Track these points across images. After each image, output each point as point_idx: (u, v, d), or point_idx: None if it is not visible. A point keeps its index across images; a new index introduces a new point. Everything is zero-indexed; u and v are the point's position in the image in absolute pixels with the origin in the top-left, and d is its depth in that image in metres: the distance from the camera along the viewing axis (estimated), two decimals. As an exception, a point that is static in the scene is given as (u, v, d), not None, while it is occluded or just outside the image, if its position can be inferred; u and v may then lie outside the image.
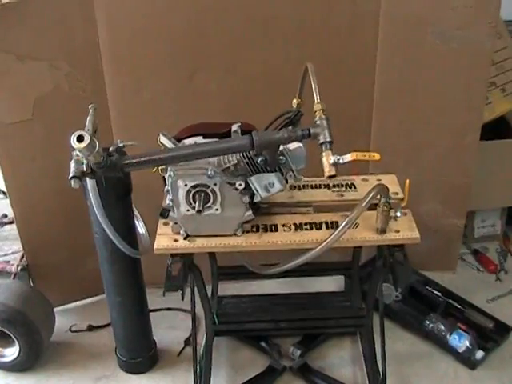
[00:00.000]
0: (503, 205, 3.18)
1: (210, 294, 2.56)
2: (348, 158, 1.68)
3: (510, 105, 2.95)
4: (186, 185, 1.88)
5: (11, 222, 3.04)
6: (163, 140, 1.89)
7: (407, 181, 1.97)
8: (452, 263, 3.07)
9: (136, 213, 2.30)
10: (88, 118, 1.90)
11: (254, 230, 2.01)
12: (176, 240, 1.98)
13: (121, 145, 1.87)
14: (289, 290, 2.85)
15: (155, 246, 1.97)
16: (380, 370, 2.35)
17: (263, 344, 2.61)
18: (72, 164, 1.75)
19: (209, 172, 1.86)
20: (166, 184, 1.93)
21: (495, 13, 2.42)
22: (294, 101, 1.99)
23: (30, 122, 2.46)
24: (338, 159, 1.67)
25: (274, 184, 1.91)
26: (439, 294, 2.83)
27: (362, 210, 1.84)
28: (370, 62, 2.53)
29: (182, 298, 2.00)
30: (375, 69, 2.55)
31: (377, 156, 1.72)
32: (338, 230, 1.83)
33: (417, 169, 2.69)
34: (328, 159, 1.68)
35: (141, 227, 2.31)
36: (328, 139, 1.69)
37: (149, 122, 2.48)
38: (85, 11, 2.34)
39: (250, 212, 1.96)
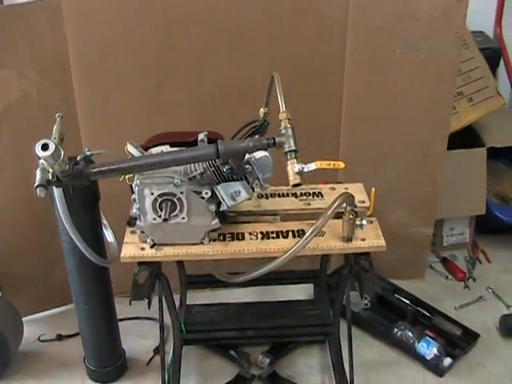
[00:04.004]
0: (471, 213, 3.21)
1: (178, 302, 2.57)
2: (312, 166, 1.69)
3: (477, 114, 2.99)
4: (152, 193, 1.88)
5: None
6: (130, 149, 1.89)
7: (373, 189, 1.99)
8: (421, 271, 3.10)
9: (104, 221, 2.29)
10: (54, 127, 1.89)
11: (221, 238, 2.01)
12: (143, 248, 1.98)
13: (88, 153, 1.87)
14: (260, 299, 2.86)
15: (122, 255, 1.97)
16: (348, 377, 2.37)
17: (232, 353, 2.61)
18: (38, 173, 1.73)
19: (175, 181, 1.86)
20: (133, 193, 1.94)
21: (461, 23, 2.46)
22: (261, 110, 1.99)
23: (-3, 131, 2.45)
24: (303, 168, 1.68)
25: (240, 193, 1.92)
26: (408, 301, 2.86)
27: (327, 218, 1.84)
28: (338, 72, 2.55)
29: (149, 307, 1.99)
30: (343, 79, 2.57)
31: (341, 164, 1.73)
32: (304, 238, 1.83)
33: (385, 178, 2.71)
34: (293, 168, 1.68)
35: (109, 236, 2.30)
36: (293, 148, 1.69)
37: (118, 131, 2.47)
38: (54, 21, 2.34)
39: (217, 220, 1.96)
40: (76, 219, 1.99)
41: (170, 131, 2.02)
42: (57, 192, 1.91)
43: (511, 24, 3.60)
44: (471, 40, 3.04)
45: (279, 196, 2.22)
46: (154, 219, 1.92)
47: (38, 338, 2.80)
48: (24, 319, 2.71)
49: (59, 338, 2.80)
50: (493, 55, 3.40)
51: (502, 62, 3.58)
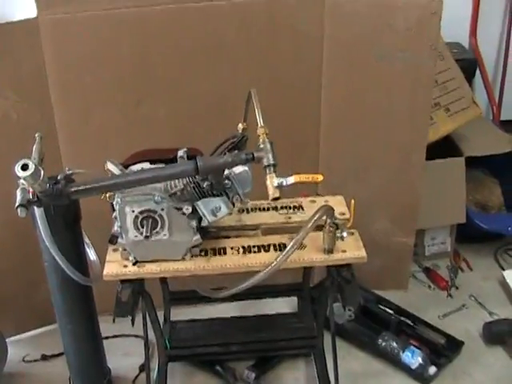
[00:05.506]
0: (452, 222, 3.22)
1: (162, 319, 2.57)
2: (291, 180, 1.70)
3: (455, 124, 3.03)
4: (133, 211, 1.89)
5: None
6: (110, 167, 1.89)
7: (352, 201, 2.01)
8: (403, 281, 3.11)
9: (86, 240, 2.29)
10: (34, 147, 1.90)
11: (203, 254, 2.02)
12: (125, 266, 1.99)
13: (69, 173, 1.87)
14: (244, 313, 2.85)
15: (104, 273, 1.98)
16: (333, 389, 2.38)
17: (218, 368, 2.61)
18: (18, 192, 1.74)
19: (156, 198, 1.87)
20: (114, 210, 1.94)
21: (435, 35, 2.48)
22: (240, 125, 2.02)
23: (-23, 152, 2.44)
24: (282, 182, 1.69)
25: (220, 208, 1.93)
26: (391, 312, 2.86)
27: (307, 231, 1.86)
28: (315, 85, 2.58)
29: (132, 324, 2.00)
30: (321, 91, 2.59)
31: (320, 177, 1.74)
32: (285, 251, 1.85)
33: (365, 188, 2.72)
34: (272, 182, 1.69)
35: (92, 254, 2.30)
36: (271, 162, 1.71)
37: (98, 149, 2.48)
38: (31, 41, 2.35)
39: (198, 236, 1.97)
40: (58, 238, 1.99)
41: (149, 148, 2.03)
42: (38, 212, 1.91)
43: (486, 34, 3.66)
44: (447, 51, 3.08)
45: (260, 210, 2.24)
46: (136, 236, 1.93)
47: (23, 359, 2.78)
48: (8, 340, 2.69)
49: (44, 358, 2.78)
50: (469, 66, 3.45)
51: (478, 72, 3.63)
